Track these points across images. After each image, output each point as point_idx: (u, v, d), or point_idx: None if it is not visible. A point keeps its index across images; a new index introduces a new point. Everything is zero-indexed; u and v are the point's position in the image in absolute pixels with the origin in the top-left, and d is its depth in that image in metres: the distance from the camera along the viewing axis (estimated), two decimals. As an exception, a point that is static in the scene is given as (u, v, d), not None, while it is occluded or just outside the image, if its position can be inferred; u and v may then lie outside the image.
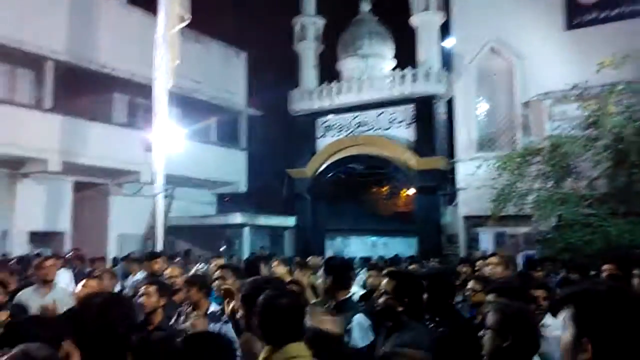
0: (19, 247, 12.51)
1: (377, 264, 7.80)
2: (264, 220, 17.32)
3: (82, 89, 14.14)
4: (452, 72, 16.53)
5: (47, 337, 1.99)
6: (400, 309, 3.24)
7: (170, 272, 5.62)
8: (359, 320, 3.48)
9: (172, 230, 13.98)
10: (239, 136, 18.40)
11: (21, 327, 2.39)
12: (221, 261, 6.87)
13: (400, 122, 17.35)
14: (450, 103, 16.71)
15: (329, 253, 20.76)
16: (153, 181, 9.90)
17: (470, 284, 4.53)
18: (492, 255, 5.99)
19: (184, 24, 8.11)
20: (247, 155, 18.47)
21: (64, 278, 7.33)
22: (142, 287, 4.27)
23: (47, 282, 5.25)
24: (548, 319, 4.06)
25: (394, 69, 18.44)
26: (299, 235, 18.47)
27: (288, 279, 6.36)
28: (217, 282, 4.20)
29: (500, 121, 15.47)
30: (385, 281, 3.34)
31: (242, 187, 18.26)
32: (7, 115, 11.92)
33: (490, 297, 3.84)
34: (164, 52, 8.01)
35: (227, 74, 17.93)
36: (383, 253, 19.11)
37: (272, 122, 19.50)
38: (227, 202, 19.11)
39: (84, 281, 4.52)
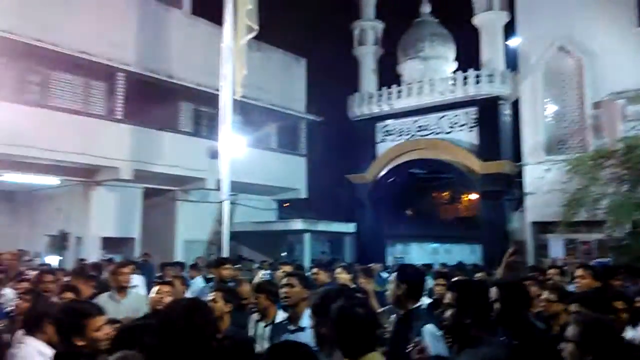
0: (92, 252, 13.05)
1: (445, 272, 7.60)
2: (324, 226, 17.36)
3: (150, 99, 14.70)
4: (518, 72, 15.99)
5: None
6: (467, 321, 3.13)
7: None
8: (431, 330, 3.38)
9: (235, 236, 14.26)
10: (299, 142, 18.57)
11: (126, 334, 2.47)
12: (288, 268, 6.89)
13: (463, 125, 16.95)
14: (515, 105, 16.16)
15: (389, 260, 20.61)
16: (218, 188, 10.13)
17: (545, 294, 4.33)
18: (580, 266, 5.67)
19: (252, 35, 8.24)
20: (307, 161, 18.59)
21: (136, 283, 7.62)
22: (211, 294, 4.35)
23: (122, 289, 5.42)
24: (629, 331, 3.82)
25: (455, 71, 18.06)
26: (359, 241, 18.37)
27: (351, 286, 6.34)
28: (284, 289, 4.21)
29: (570, 123, 14.81)
30: (449, 294, 3.24)
31: (303, 193, 18.39)
32: (81, 126, 12.55)
33: (573, 307, 3.65)
34: (229, 62, 8.18)
35: (287, 81, 18.15)
36: (445, 260, 18.72)
37: (332, 127, 19.56)
38: (288, 208, 19.33)
39: (156, 287, 4.66)
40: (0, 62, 12.06)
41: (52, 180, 13.64)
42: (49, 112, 12.21)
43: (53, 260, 12.84)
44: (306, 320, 4.06)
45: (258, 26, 8.21)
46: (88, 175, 13.49)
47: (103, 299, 5.35)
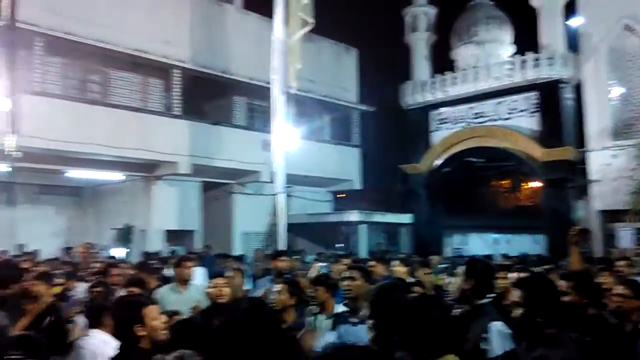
0: (155, 244, 13.52)
1: (507, 265, 7.30)
2: (380, 217, 17.22)
3: (205, 94, 15.02)
4: (580, 54, 15.20)
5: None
6: (540, 320, 2.97)
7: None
8: (498, 327, 3.24)
9: (290, 228, 14.37)
10: (352, 133, 18.45)
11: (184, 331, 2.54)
12: (348, 261, 6.84)
13: (522, 111, 16.31)
14: (578, 88, 15.39)
15: (447, 251, 20.21)
16: (272, 180, 10.22)
17: (620, 289, 4.07)
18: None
19: (307, 29, 8.22)
20: (361, 152, 18.47)
21: (199, 275, 7.82)
22: (275, 286, 4.40)
23: (184, 281, 5.56)
24: None
25: (513, 54, 17.38)
26: (416, 232, 18.11)
27: (409, 279, 6.22)
28: (346, 282, 4.18)
29: (637, 106, 13.98)
30: (517, 291, 3.09)
31: (357, 184, 18.30)
32: (141, 122, 12.97)
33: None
34: (281, 55, 8.19)
35: (339, 72, 18.05)
36: (506, 251, 18.13)
37: (385, 117, 19.31)
38: (342, 199, 19.29)
39: (215, 280, 4.72)
40: (63, 63, 12.64)
41: (116, 176, 14.18)
42: (110, 110, 12.68)
43: (119, 252, 13.33)
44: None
45: (313, 19, 8.16)
46: (149, 170, 13.93)
47: (165, 291, 5.52)
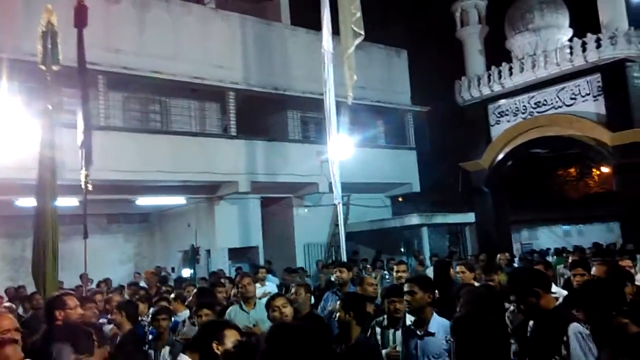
0: (220, 263, 13.84)
1: (584, 260, 6.87)
2: (442, 218, 16.84)
3: (259, 112, 15.27)
4: (645, 29, 14.33)
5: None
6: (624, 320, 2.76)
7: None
8: (578, 329, 3.05)
9: (351, 237, 14.30)
10: (407, 135, 18.18)
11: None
12: (403, 268, 6.55)
13: (586, 95, 15.50)
14: (645, 65, 14.50)
15: (516, 247, 19.47)
16: (330, 191, 10.21)
17: None
18: None
19: (359, 40, 8.22)
20: (417, 154, 18.17)
21: (269, 289, 7.92)
22: (338, 303, 4.33)
23: (248, 299, 5.65)
24: None
25: (571, 38, 16.59)
26: (481, 230, 17.56)
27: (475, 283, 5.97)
28: (406, 297, 4.05)
29: None
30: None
31: (416, 187, 17.98)
32: (201, 146, 13.32)
33: None
34: (331, 66, 8.23)
35: (390, 75, 17.85)
36: (578, 242, 17.30)
37: (440, 116, 18.91)
38: (402, 202, 19.01)
39: (275, 302, 4.64)
40: (124, 97, 13.25)
41: (180, 200, 14.65)
42: (170, 137, 13.13)
43: (186, 273, 13.74)
44: (435, 324, 3.97)
45: (364, 31, 8.14)
46: (211, 191, 14.28)
47: (234, 311, 5.62)
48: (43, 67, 6.82)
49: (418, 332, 3.98)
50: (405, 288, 4.08)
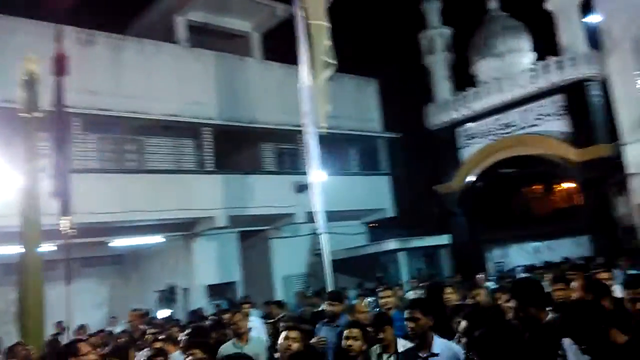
0: (199, 301, 13.46)
1: (563, 275, 6.96)
2: (418, 242, 16.92)
3: (235, 146, 15.20)
4: (602, 50, 15.05)
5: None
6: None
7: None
8: (572, 342, 3.07)
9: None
10: (380, 161, 18.38)
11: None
12: (389, 294, 6.25)
13: (550, 115, 16.12)
14: (604, 84, 15.19)
15: (490, 266, 19.72)
16: (307, 221, 10.16)
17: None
18: None
19: (331, 70, 8.28)
20: (391, 179, 18.36)
21: (254, 325, 7.70)
22: (346, 330, 4.30)
23: (241, 335, 5.56)
24: None
25: (534, 62, 17.27)
26: (456, 251, 17.75)
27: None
28: (410, 324, 4.06)
29: (669, 92, 13.73)
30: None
31: (390, 212, 18.10)
32: (177, 183, 13.15)
33: None
34: (309, 100, 8.24)
35: (361, 104, 18.09)
36: (549, 258, 17.64)
37: (411, 141, 19.24)
38: (377, 228, 19.04)
39: (285, 332, 4.54)
40: (98, 138, 12.97)
41: (156, 239, 14.28)
42: (146, 176, 12.92)
43: (164, 314, 13.27)
44: (438, 346, 3.99)
45: (335, 61, 8.19)
46: (188, 228, 14.01)
47: (228, 347, 5.48)
48: (27, 115, 6.67)
49: (421, 355, 3.98)
50: (406, 315, 4.08)
